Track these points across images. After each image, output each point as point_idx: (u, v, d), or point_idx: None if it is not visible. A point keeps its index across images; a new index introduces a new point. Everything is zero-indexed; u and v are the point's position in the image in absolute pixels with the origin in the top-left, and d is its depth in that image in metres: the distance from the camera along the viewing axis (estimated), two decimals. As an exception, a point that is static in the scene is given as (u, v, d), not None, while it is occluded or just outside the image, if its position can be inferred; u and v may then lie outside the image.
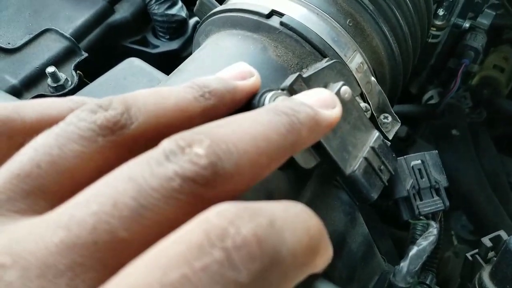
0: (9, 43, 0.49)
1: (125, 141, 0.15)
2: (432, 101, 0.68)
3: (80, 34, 0.50)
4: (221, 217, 0.11)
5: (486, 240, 0.40)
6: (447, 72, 0.62)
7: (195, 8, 0.44)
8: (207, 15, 0.40)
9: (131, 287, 0.10)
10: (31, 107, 0.16)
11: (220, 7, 0.40)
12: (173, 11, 0.54)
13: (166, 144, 0.13)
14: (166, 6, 0.54)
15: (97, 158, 0.14)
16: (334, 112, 0.19)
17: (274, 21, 0.35)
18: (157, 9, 0.54)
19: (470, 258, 0.41)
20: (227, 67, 0.21)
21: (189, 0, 0.56)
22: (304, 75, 0.31)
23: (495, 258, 0.39)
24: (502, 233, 0.39)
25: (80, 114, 0.15)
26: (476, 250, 0.41)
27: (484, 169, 0.63)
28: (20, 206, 0.13)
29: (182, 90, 0.17)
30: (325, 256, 0.15)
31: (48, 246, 0.11)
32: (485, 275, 0.39)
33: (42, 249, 0.11)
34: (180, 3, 0.55)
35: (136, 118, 0.15)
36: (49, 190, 0.13)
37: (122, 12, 0.54)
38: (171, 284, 0.10)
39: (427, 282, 0.43)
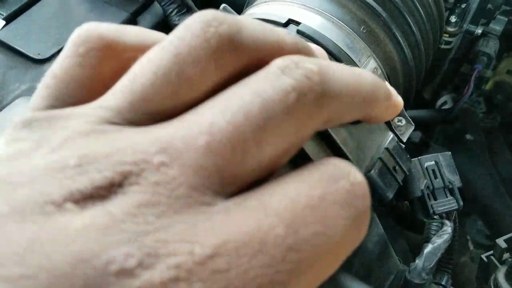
0: (39, 54, 0.52)
1: (236, 63, 0.14)
2: (446, 106, 0.69)
3: (105, 44, 0.52)
4: (341, 163, 0.14)
5: (501, 241, 0.40)
6: (460, 78, 0.63)
7: (215, 19, 0.46)
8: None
9: (284, 195, 0.12)
10: (138, 30, 0.16)
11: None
12: (193, 21, 0.56)
13: (280, 61, 0.14)
14: (186, 17, 0.56)
15: (211, 81, 0.14)
16: (399, 97, 0.21)
17: (291, 30, 0.37)
18: (177, 21, 0.56)
19: (485, 259, 0.42)
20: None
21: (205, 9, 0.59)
22: (321, 80, 0.32)
23: (510, 260, 0.40)
24: (517, 234, 0.40)
25: (194, 28, 0.14)
26: (491, 252, 0.42)
27: (499, 174, 0.63)
28: (141, 122, 0.13)
29: (288, 36, 0.16)
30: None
31: (197, 148, 0.12)
32: (501, 276, 0.40)
33: (192, 150, 0.12)
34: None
35: (246, 42, 0.14)
36: (169, 115, 0.14)
37: (144, 24, 0.56)
38: (315, 198, 0.12)
39: (443, 282, 0.44)
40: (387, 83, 0.20)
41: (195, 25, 0.14)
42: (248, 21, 0.15)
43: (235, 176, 0.13)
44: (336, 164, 0.14)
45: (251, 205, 0.12)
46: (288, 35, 0.17)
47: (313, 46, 0.20)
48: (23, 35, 0.53)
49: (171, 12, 0.55)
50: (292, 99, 0.13)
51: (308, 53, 0.17)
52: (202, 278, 0.11)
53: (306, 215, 0.12)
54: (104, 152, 0.12)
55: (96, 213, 0.11)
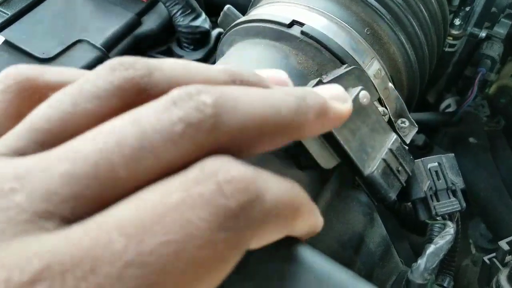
0: (43, 53, 0.52)
1: (141, 102, 0.14)
2: (450, 109, 0.69)
3: (110, 44, 0.53)
4: (214, 160, 0.13)
5: (504, 244, 0.40)
6: (464, 81, 0.63)
7: (219, 20, 0.46)
8: (231, 25, 0.42)
9: (134, 205, 0.12)
10: (59, 70, 0.16)
11: (243, 18, 0.42)
12: (197, 23, 0.57)
13: (176, 91, 0.14)
14: (190, 18, 0.56)
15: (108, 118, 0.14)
16: (344, 106, 0.19)
17: (295, 31, 0.37)
18: (182, 21, 0.56)
19: (487, 261, 0.42)
20: (266, 70, 0.20)
21: (212, 12, 0.59)
22: (324, 80, 0.32)
23: (513, 262, 0.40)
24: (520, 237, 0.40)
25: (100, 71, 0.14)
26: (494, 254, 0.42)
27: (502, 177, 0.63)
28: (27, 150, 0.13)
29: (214, 70, 0.16)
30: (307, 222, 0.16)
31: (54, 175, 0.12)
32: (503, 278, 0.39)
33: (48, 177, 0.12)
34: (203, 15, 0.58)
35: (156, 84, 0.14)
36: (59, 141, 0.14)
37: (149, 24, 0.56)
38: (171, 203, 0.12)
39: (445, 284, 0.44)
40: (325, 90, 0.19)
41: (102, 69, 0.14)
42: (163, 63, 0.15)
43: (98, 200, 0.12)
44: (204, 165, 0.13)
45: (94, 223, 0.12)
46: (220, 69, 0.16)
47: (270, 72, 0.20)
48: (28, 34, 0.54)
49: (176, 12, 0.56)
50: (178, 130, 0.13)
51: (242, 81, 0.17)
52: None
53: (154, 225, 0.11)
54: None
55: None
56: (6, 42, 0.52)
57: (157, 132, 0.13)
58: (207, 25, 0.58)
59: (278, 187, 0.14)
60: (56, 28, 0.55)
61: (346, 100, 0.20)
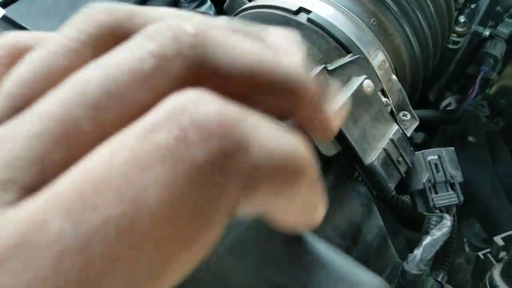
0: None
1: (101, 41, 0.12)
2: (450, 108, 0.69)
3: (113, 26, 0.52)
4: (183, 96, 0.10)
5: (499, 239, 0.41)
6: (466, 79, 0.63)
7: (225, 5, 0.46)
8: (237, 11, 0.42)
9: (78, 173, 0.10)
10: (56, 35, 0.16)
11: (249, 4, 0.42)
12: (202, 9, 0.57)
13: (153, 25, 0.11)
14: (195, 4, 0.56)
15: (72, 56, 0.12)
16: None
17: (302, 18, 0.37)
18: (187, 7, 0.56)
19: (482, 257, 0.42)
20: (276, 30, 0.17)
21: (217, 0, 0.59)
22: (329, 68, 0.32)
23: (507, 257, 0.40)
24: (515, 233, 0.40)
25: (73, 21, 0.12)
26: (488, 250, 0.42)
27: (499, 176, 0.64)
28: (3, 119, 0.12)
29: (212, 18, 0.14)
30: (311, 193, 0.13)
31: (17, 139, 0.10)
32: (496, 273, 0.40)
33: (12, 142, 0.10)
34: (208, 2, 0.58)
35: (137, 29, 0.12)
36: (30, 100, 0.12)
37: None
38: (116, 164, 0.09)
39: (439, 279, 0.44)
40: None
41: (76, 18, 0.12)
42: (156, 9, 0.13)
43: (64, 163, 0.10)
44: (168, 103, 0.10)
45: (37, 198, 0.09)
46: (219, 19, 0.13)
47: (279, 33, 0.16)
48: (31, 13, 0.53)
49: (181, -2, 0.55)
50: (147, 67, 0.10)
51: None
52: None
53: (95, 196, 0.09)
54: None
55: None
56: (8, 20, 0.51)
57: (124, 73, 0.10)
58: (212, 11, 0.57)
59: (273, 136, 0.11)
60: (59, 8, 0.54)
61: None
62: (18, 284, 0.08)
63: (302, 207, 0.14)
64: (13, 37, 0.15)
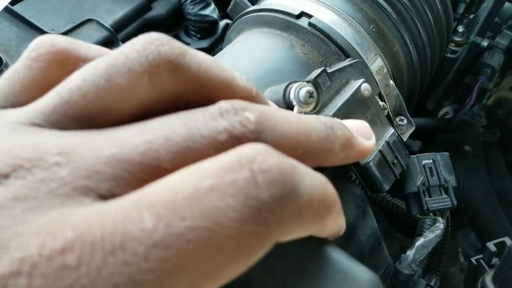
0: (53, 30, 0.53)
1: (174, 86, 0.15)
2: (447, 117, 0.70)
3: (119, 26, 0.53)
4: (253, 148, 0.13)
5: (491, 245, 0.41)
6: (463, 88, 0.64)
7: (229, 8, 0.47)
8: (240, 14, 0.43)
9: (168, 187, 0.12)
10: (92, 46, 0.17)
11: (252, 7, 0.43)
12: (206, 12, 0.58)
13: (223, 104, 0.14)
14: (199, 7, 0.57)
15: (143, 96, 0.14)
16: (368, 142, 0.20)
17: (303, 22, 0.38)
18: (191, 9, 0.57)
19: (474, 262, 0.43)
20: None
21: (221, 3, 0.60)
22: (328, 71, 0.33)
23: (499, 263, 0.41)
24: (507, 239, 0.41)
25: (135, 44, 0.15)
26: (481, 255, 0.43)
27: (493, 186, 0.64)
28: (64, 125, 0.14)
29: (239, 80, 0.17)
30: (336, 221, 0.16)
31: (100, 156, 0.12)
32: (488, 278, 0.40)
33: (94, 157, 0.12)
34: (213, 5, 0.59)
35: (188, 67, 0.15)
36: (95, 120, 0.14)
37: (158, 10, 0.57)
38: (202, 189, 0.12)
39: (431, 284, 0.45)
40: (353, 124, 0.20)
41: (137, 41, 0.15)
42: (198, 52, 0.16)
43: (137, 182, 0.13)
44: (241, 151, 0.13)
45: (128, 201, 0.12)
46: (242, 79, 0.17)
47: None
48: (39, 10, 0.54)
49: (186, 0, 0.57)
50: (222, 139, 0.14)
51: (260, 100, 0.17)
52: (46, 273, 0.10)
53: (185, 208, 0.11)
54: (4, 146, 0.12)
55: None
56: (18, 16, 0.52)
57: (203, 137, 0.13)
58: (215, 15, 0.58)
59: (312, 181, 0.14)
60: (67, 6, 0.55)
61: (371, 137, 0.21)
62: (110, 263, 0.10)
63: (333, 227, 0.17)
64: (50, 38, 0.16)
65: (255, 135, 0.14)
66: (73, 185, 0.12)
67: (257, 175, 0.12)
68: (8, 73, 0.16)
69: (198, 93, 0.16)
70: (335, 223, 0.16)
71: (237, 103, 0.15)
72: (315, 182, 0.14)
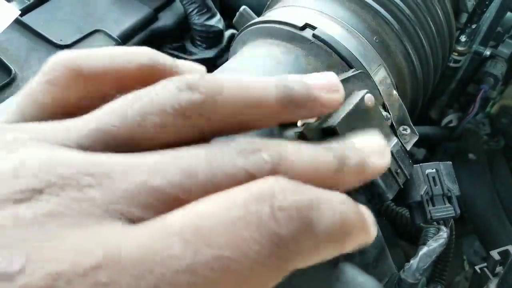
0: (61, 40, 0.54)
1: (202, 126, 0.16)
2: (451, 125, 0.70)
3: (126, 36, 0.54)
4: (273, 183, 0.14)
5: (495, 253, 0.41)
6: (467, 97, 0.64)
7: (234, 19, 0.48)
8: (245, 25, 0.44)
9: (197, 214, 0.12)
10: (98, 56, 0.17)
11: (257, 19, 0.44)
12: (212, 22, 0.58)
13: (243, 143, 0.15)
14: (205, 17, 0.58)
15: (173, 135, 0.15)
16: (382, 161, 0.19)
17: (307, 33, 0.39)
18: (197, 20, 0.58)
19: (478, 270, 0.43)
20: (316, 74, 0.20)
21: (226, 14, 0.61)
22: (332, 81, 0.34)
23: (503, 272, 0.41)
24: (511, 248, 0.41)
25: (168, 88, 0.15)
26: (485, 264, 0.43)
27: (498, 194, 0.64)
28: (91, 148, 0.14)
29: (267, 90, 0.17)
30: (358, 241, 0.16)
31: (131, 182, 0.13)
32: (492, 287, 0.41)
33: (126, 182, 0.13)
34: (218, 16, 0.60)
35: (215, 111, 0.16)
36: (127, 146, 0.15)
37: (165, 20, 0.58)
38: (230, 219, 0.12)
39: (436, 292, 0.45)
40: (366, 144, 0.19)
41: (170, 86, 0.16)
42: (228, 87, 0.16)
43: (163, 209, 0.13)
44: (263, 186, 0.13)
45: (157, 225, 0.12)
46: (271, 84, 0.17)
47: (320, 77, 0.20)
48: (48, 21, 0.56)
49: (192, 11, 0.58)
50: (240, 177, 0.14)
51: (293, 103, 0.17)
52: None
53: (212, 236, 0.12)
54: (37, 162, 0.13)
55: (4, 213, 0.12)
56: (26, 27, 0.53)
57: (224, 172, 0.14)
58: (221, 25, 0.59)
59: (332, 212, 0.14)
60: (75, 16, 0.56)
61: (385, 154, 0.20)
62: (140, 285, 0.11)
63: (356, 245, 0.17)
64: (64, 58, 0.17)
65: (272, 173, 0.15)
66: (105, 208, 0.12)
67: (276, 212, 0.13)
68: (25, 90, 0.17)
69: (225, 125, 0.17)
70: (357, 242, 0.16)
71: (255, 143, 0.15)
72: (336, 211, 0.14)
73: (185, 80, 0.16)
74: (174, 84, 0.16)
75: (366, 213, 0.16)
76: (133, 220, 0.13)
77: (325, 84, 0.20)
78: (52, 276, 0.11)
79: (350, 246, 0.16)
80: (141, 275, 0.11)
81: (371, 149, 0.19)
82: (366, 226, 0.16)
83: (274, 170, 0.15)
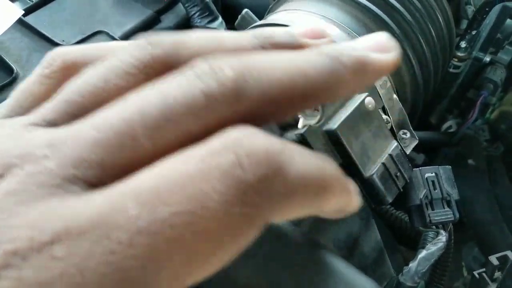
0: (63, 41, 0.54)
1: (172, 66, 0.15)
2: (451, 131, 0.70)
3: (128, 38, 0.55)
4: (239, 132, 0.13)
5: (493, 259, 0.41)
6: (466, 103, 0.65)
7: (236, 22, 0.48)
8: (247, 28, 0.44)
9: (153, 175, 0.12)
10: (102, 48, 0.17)
11: (259, 22, 0.44)
12: (214, 25, 0.59)
13: (199, 63, 0.14)
14: (207, 20, 0.58)
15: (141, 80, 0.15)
16: (387, 56, 0.16)
17: (309, 36, 0.39)
18: (199, 23, 0.58)
19: (477, 276, 0.43)
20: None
21: (228, 17, 0.61)
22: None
23: (501, 278, 0.41)
24: (509, 253, 0.41)
25: (129, 50, 0.15)
26: (483, 269, 0.43)
27: (497, 200, 0.65)
28: (59, 121, 0.14)
29: (242, 37, 0.16)
30: (338, 200, 0.15)
31: (81, 143, 0.13)
32: (491, 292, 0.41)
33: (77, 145, 0.13)
34: (220, 19, 0.60)
35: (183, 60, 0.15)
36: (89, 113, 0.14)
37: (167, 22, 0.59)
38: (187, 174, 0.12)
39: (434, 296, 0.45)
40: (365, 41, 0.17)
41: (131, 48, 0.15)
42: (194, 38, 0.15)
43: (122, 168, 0.13)
44: (225, 135, 0.13)
45: (113, 190, 0.12)
46: (249, 34, 0.16)
47: (306, 26, 0.18)
48: (50, 21, 0.56)
49: (194, 14, 0.58)
50: (199, 103, 0.13)
51: (272, 44, 0.16)
52: (35, 265, 0.10)
53: (169, 193, 0.11)
54: (1, 148, 0.13)
55: None
56: (29, 27, 0.54)
57: (179, 104, 0.13)
58: (223, 28, 0.60)
59: (305, 161, 0.13)
60: (78, 17, 0.57)
61: (390, 49, 0.17)
62: (96, 253, 0.11)
63: (336, 206, 0.16)
64: (62, 53, 0.17)
65: (236, 91, 0.13)
66: (62, 176, 0.12)
67: (242, 158, 0.12)
68: (21, 86, 0.17)
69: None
70: (338, 202, 0.16)
71: (214, 60, 0.14)
72: (311, 162, 0.14)
73: (146, 39, 0.15)
74: (135, 45, 0.15)
75: (349, 181, 0.16)
76: (94, 184, 0.12)
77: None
78: (8, 254, 0.10)
79: (329, 205, 0.15)
80: (97, 242, 0.11)
81: (373, 44, 0.17)
82: (347, 188, 0.16)
83: (240, 89, 0.13)
